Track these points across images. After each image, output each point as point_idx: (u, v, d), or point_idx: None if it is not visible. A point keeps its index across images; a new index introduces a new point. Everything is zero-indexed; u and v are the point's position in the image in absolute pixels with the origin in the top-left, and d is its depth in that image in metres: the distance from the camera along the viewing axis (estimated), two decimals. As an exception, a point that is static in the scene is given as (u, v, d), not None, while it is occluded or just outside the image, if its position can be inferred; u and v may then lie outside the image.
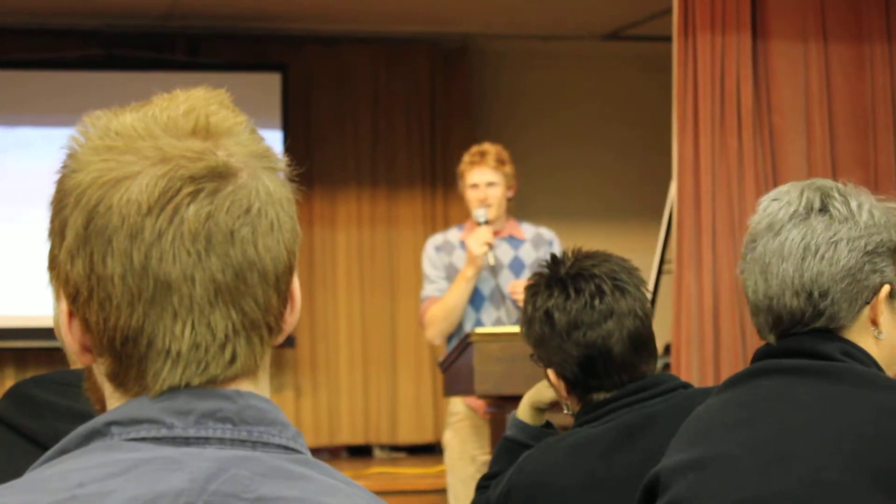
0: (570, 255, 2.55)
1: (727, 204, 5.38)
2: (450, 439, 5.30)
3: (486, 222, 5.27)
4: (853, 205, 2.02)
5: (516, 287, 5.16)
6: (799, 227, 2.00)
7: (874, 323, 2.03)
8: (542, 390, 2.74)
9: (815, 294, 1.99)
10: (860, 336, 2.03)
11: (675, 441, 2.09)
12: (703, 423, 2.05)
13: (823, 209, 2.01)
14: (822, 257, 1.99)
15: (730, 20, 5.47)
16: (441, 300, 5.31)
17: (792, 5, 5.57)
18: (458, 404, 5.28)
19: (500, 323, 5.23)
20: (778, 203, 2.04)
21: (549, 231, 5.50)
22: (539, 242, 5.42)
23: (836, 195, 2.03)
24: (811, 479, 1.88)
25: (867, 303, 2.01)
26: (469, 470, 5.14)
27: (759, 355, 2.07)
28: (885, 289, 2.02)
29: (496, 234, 5.34)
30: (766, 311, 2.02)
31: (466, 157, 5.42)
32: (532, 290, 2.53)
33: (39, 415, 2.31)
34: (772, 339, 2.05)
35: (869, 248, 2.01)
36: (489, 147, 5.44)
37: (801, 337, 2.01)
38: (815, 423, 1.92)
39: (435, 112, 8.33)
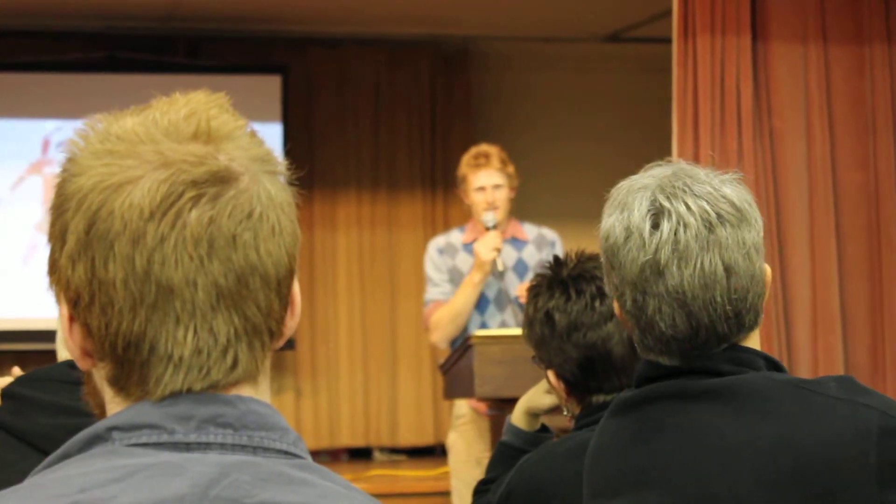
0: (572, 256, 2.55)
1: (727, 206, 5.37)
2: (454, 442, 5.24)
3: (495, 226, 5.19)
4: (736, 201, 1.90)
5: (524, 290, 5.10)
6: (711, 248, 1.86)
7: None
8: (538, 396, 2.74)
9: (743, 311, 1.88)
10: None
11: (589, 486, 2.02)
12: (612, 468, 1.96)
13: (720, 217, 1.88)
14: (743, 272, 1.87)
15: (730, 22, 5.47)
16: (447, 304, 5.23)
17: (792, 7, 5.57)
18: (463, 406, 5.21)
19: (504, 326, 5.14)
20: (669, 223, 1.87)
21: (551, 231, 5.42)
22: (542, 243, 5.35)
23: (720, 198, 1.90)
24: None
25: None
26: (474, 473, 5.07)
27: (646, 378, 1.95)
28: (769, 271, 1.93)
29: (498, 235, 5.27)
30: (688, 339, 1.88)
31: (468, 159, 5.30)
32: (534, 291, 2.54)
33: (19, 411, 2.34)
34: (676, 361, 1.92)
35: (761, 238, 1.91)
36: (490, 148, 5.35)
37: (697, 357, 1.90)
38: (727, 461, 1.82)
39: (436, 114, 8.32)
